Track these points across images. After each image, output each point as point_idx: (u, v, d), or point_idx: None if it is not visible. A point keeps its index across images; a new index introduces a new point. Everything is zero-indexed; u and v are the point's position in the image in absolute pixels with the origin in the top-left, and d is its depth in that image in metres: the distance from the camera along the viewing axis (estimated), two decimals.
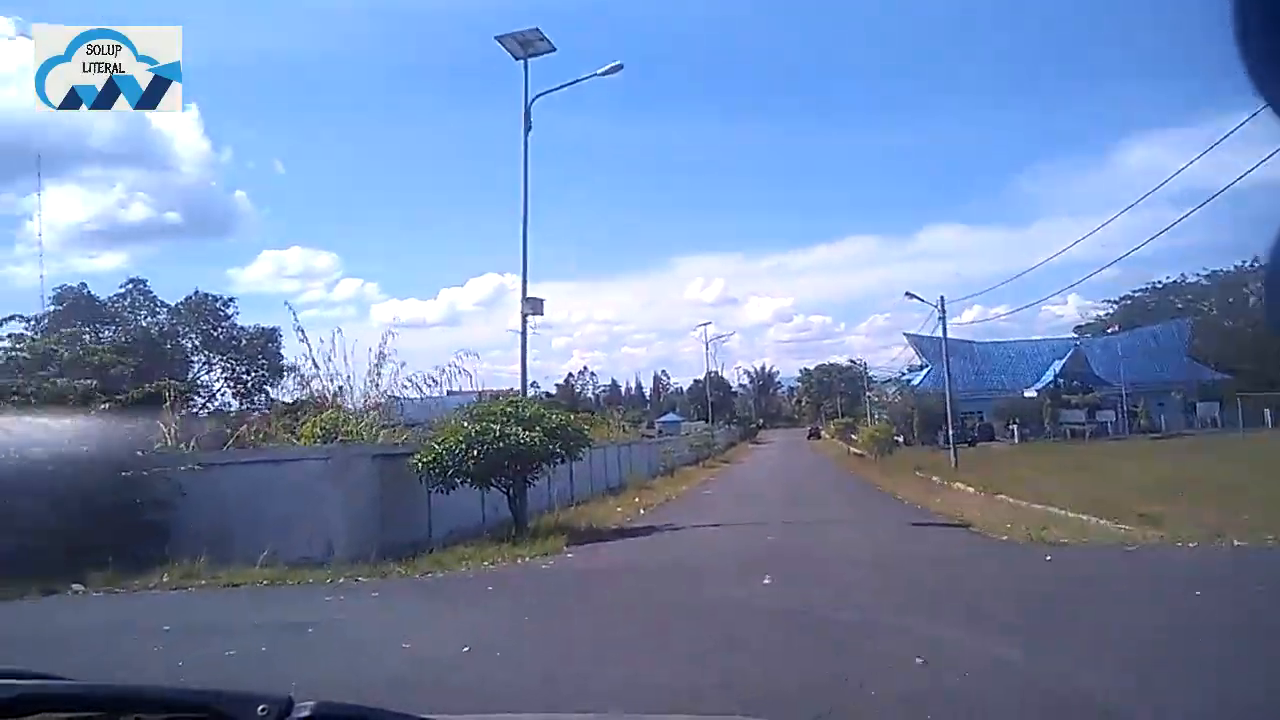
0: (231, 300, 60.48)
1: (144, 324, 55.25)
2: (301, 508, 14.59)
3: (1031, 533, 14.45)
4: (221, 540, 13.96)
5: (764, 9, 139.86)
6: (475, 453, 15.84)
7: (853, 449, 60.39)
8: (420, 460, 15.86)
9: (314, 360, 19.79)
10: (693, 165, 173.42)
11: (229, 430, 20.48)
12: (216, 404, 52.03)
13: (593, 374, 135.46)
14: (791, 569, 11.40)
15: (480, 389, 29.49)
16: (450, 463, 15.74)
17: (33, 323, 37.17)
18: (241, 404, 53.02)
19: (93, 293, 55.17)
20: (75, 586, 12.65)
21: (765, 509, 22.28)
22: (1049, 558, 11.54)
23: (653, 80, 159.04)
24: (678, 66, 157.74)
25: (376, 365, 20.03)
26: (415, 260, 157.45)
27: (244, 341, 59.03)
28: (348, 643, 7.95)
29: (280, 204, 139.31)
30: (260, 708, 1.48)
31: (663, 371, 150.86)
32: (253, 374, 58.82)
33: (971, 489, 25.70)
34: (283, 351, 54.24)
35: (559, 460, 17.71)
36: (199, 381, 55.65)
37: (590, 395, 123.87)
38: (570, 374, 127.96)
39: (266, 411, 25.68)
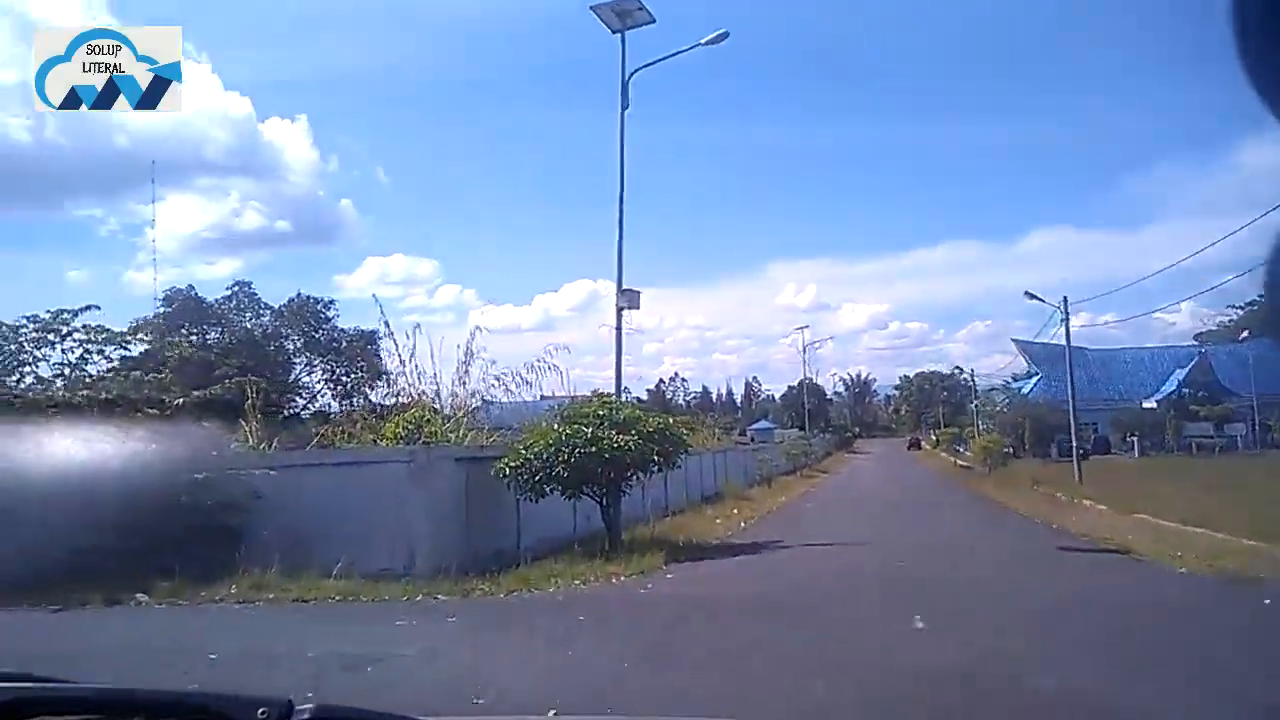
0: (332, 303, 60.92)
1: (248, 326, 55.96)
2: (382, 514, 13.33)
3: (1207, 563, 12.13)
4: (297, 547, 12.79)
5: (861, 2, 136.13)
6: (565, 457, 14.34)
7: (959, 461, 57.10)
8: (506, 465, 14.44)
9: (399, 356, 18.66)
10: (785, 168, 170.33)
11: (314, 431, 19.56)
12: (317, 405, 52.17)
13: (683, 380, 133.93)
14: (940, 605, 9.43)
15: (572, 393, 28.08)
16: (539, 468, 14.29)
17: (139, 322, 37.51)
18: (341, 406, 53.17)
19: (200, 295, 56.15)
20: (139, 596, 11.62)
21: (880, 526, 20.18)
22: (1268, 601, 9.30)
23: (743, 79, 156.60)
24: (768, 64, 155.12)
25: (464, 363, 18.77)
26: (511, 267, 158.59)
27: (344, 344, 59.29)
28: (409, 690, 6.42)
29: (383, 212, 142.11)
30: (260, 710, 1.46)
31: (754, 378, 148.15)
32: (351, 376, 59.04)
33: (1103, 506, 23.04)
34: (381, 354, 54.21)
35: (656, 468, 16.07)
36: (300, 383, 56.10)
37: (681, 401, 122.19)
38: (661, 380, 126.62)
39: (355, 411, 24.78)
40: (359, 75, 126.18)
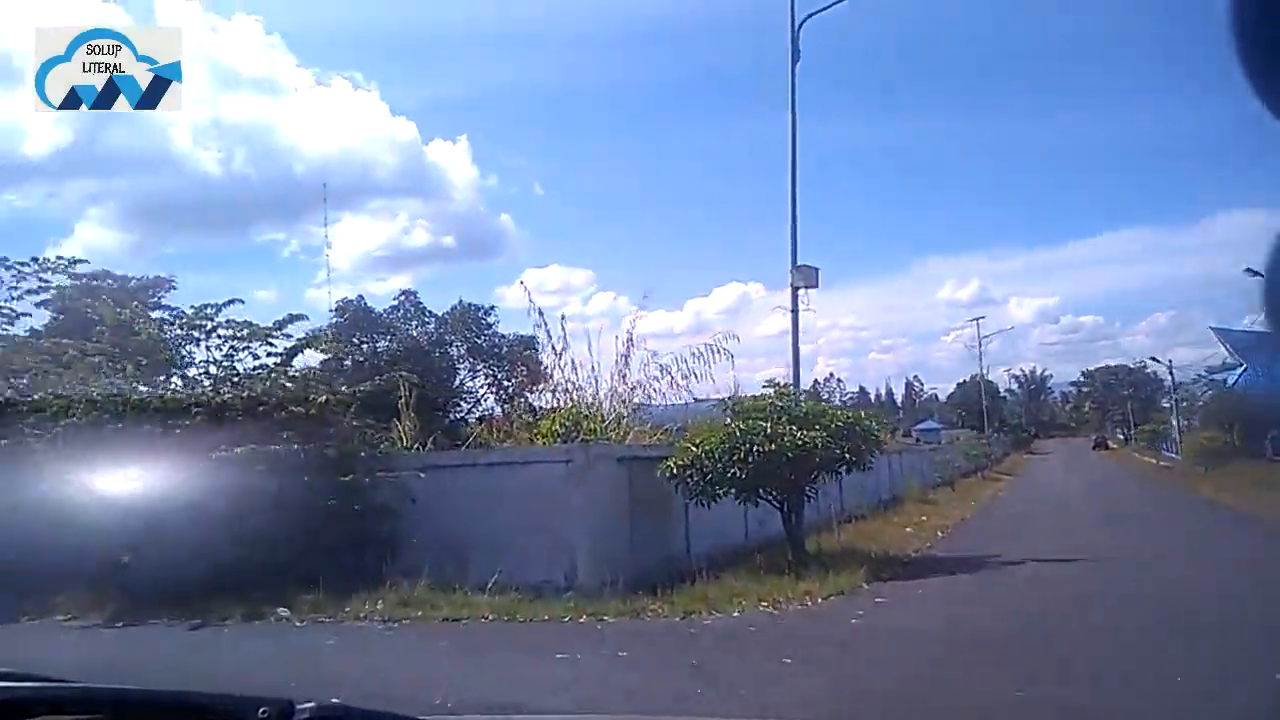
0: (492, 309, 61.27)
1: (414, 334, 56.95)
2: (540, 519, 11.72)
3: None
4: (448, 556, 11.39)
5: None
6: (741, 456, 12.31)
7: (1160, 461, 51.16)
8: (674, 464, 12.54)
9: (553, 347, 17.14)
10: (934, 162, 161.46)
11: (470, 431, 18.38)
12: (480, 410, 52.33)
13: (839, 381, 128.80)
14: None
15: (735, 391, 25.89)
16: (710, 468, 12.32)
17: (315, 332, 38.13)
18: (503, 409, 53.12)
19: (369, 305, 57.61)
20: (280, 612, 10.45)
21: (1107, 536, 17.04)
22: None
23: (890, 74, 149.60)
24: (914, 56, 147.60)
25: (623, 356, 17.04)
26: (662, 272, 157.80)
27: (504, 349, 59.56)
28: None
29: (540, 224, 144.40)
30: (261, 710, 1.46)
31: (915, 377, 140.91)
32: (512, 380, 59.18)
33: None
34: (541, 359, 53.81)
35: (845, 469, 13.78)
36: (464, 388, 56.60)
37: (838, 402, 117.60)
38: (816, 381, 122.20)
39: (513, 412, 23.58)
40: (514, 92, 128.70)
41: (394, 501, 12.32)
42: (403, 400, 15.80)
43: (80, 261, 18.93)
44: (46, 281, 18.07)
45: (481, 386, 59.06)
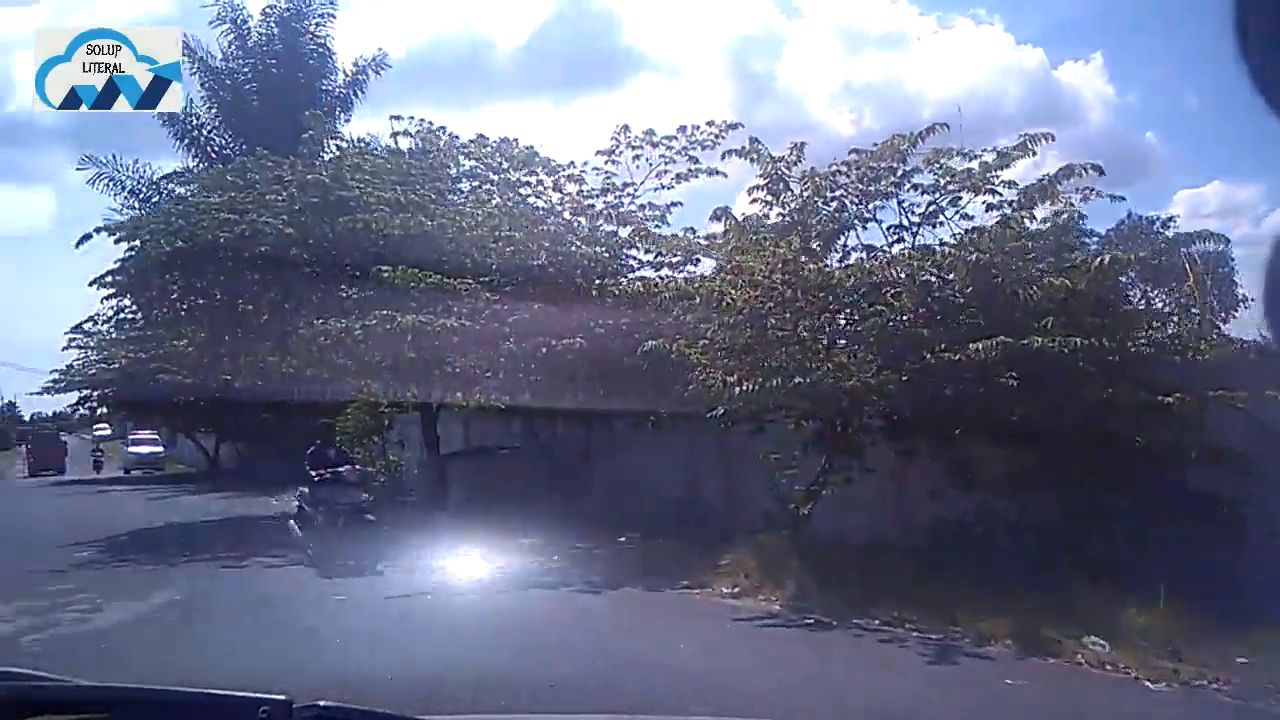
0: (1171, 220, 50.00)
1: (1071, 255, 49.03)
2: None
3: None
4: None
5: None
6: None
7: None
8: None
9: None
10: None
11: None
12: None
13: None
14: None
15: None
16: None
17: None
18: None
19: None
20: (1091, 643, 6.54)
21: None
22: None
23: None
24: None
25: None
26: None
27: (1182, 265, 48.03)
28: None
29: (1194, 139, 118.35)
30: (261, 709, 1.46)
31: None
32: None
33: None
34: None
35: None
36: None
37: None
38: None
39: None
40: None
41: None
42: None
43: None
44: None
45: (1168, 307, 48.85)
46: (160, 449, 37.09)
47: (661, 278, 12.18)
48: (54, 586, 9.35)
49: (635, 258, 13.48)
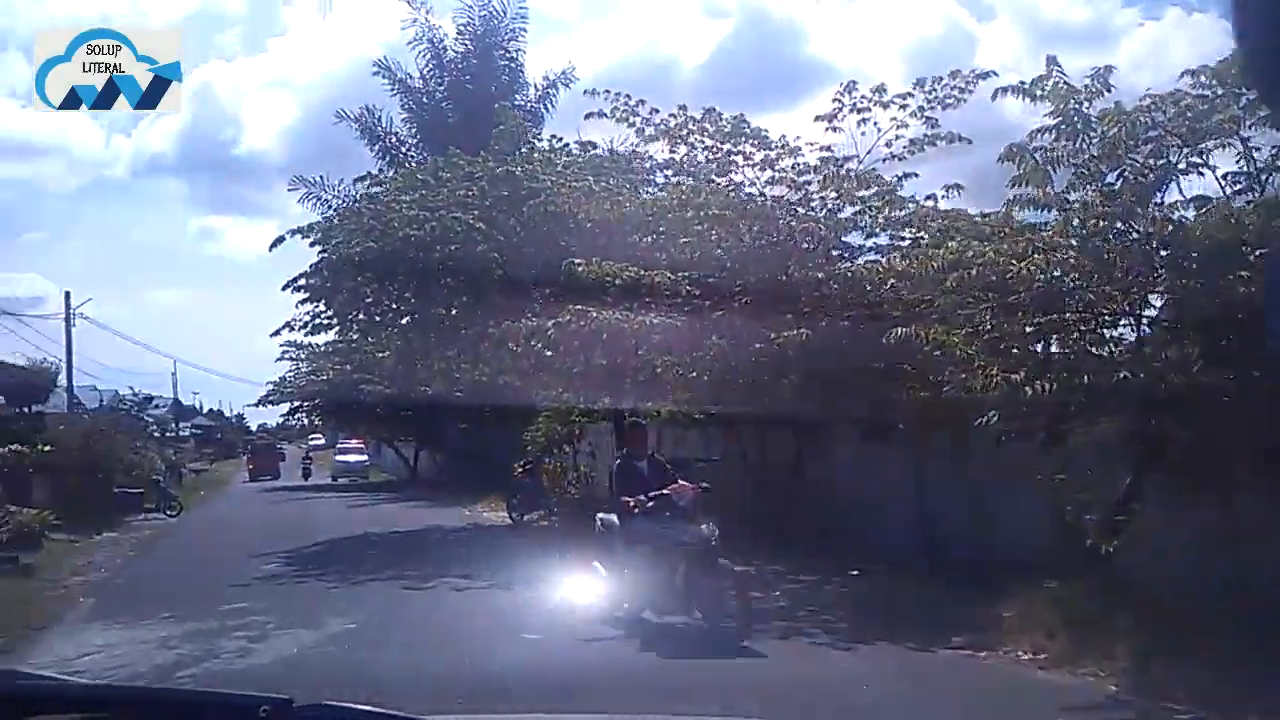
0: None
1: None
2: None
3: None
4: None
5: None
6: None
7: None
8: None
9: None
10: None
11: None
12: None
13: None
14: None
15: None
16: None
17: None
18: None
19: None
20: None
21: None
22: None
23: None
24: None
25: None
26: None
27: None
28: None
29: None
30: (261, 709, 1.41)
31: None
32: None
33: None
34: None
35: None
36: None
37: None
38: None
39: None
40: None
41: None
42: None
43: None
44: None
45: None
46: (365, 458, 38.30)
47: (902, 256, 10.11)
48: (230, 605, 8.49)
49: (861, 238, 11.47)
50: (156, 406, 42.21)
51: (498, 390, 16.72)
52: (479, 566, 10.42)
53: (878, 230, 11.43)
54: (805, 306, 11.00)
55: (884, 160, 11.15)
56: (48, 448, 19.11)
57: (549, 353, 13.82)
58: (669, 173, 13.21)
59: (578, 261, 11.31)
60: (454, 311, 14.16)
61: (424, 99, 27.55)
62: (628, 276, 11.26)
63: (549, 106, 27.29)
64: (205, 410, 70.88)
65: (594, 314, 10.87)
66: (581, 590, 7.90)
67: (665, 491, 7.63)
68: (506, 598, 8.96)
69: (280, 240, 14.04)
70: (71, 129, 78.11)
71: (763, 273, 11.03)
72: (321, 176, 24.16)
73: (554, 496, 17.99)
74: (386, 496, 25.51)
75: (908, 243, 10.86)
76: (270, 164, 73.19)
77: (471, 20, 27.32)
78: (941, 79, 10.58)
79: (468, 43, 27.61)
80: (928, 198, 10.72)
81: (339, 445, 41.07)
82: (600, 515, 8.46)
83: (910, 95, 10.74)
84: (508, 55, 27.92)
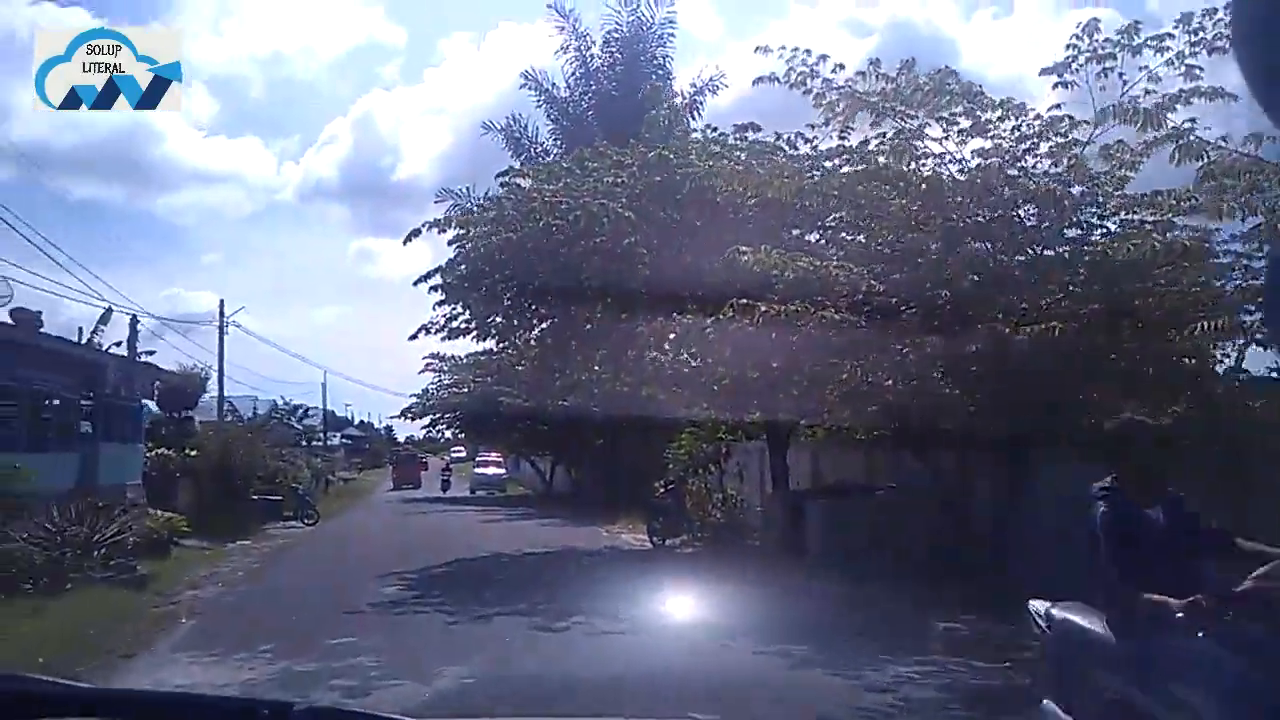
0: None
1: None
2: None
3: None
4: None
5: None
6: None
7: None
8: None
9: None
10: None
11: None
12: None
13: None
14: None
15: None
16: None
17: None
18: None
19: None
20: None
21: None
22: None
23: None
24: None
25: None
26: None
27: None
28: None
29: None
30: (262, 710, 1.42)
31: None
32: None
33: None
34: None
35: None
36: None
37: None
38: None
39: None
40: None
41: None
42: None
43: None
44: None
45: None
46: (503, 471, 37.86)
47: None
48: (337, 639, 7.15)
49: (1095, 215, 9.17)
50: (309, 416, 43.24)
51: (639, 402, 15.29)
52: (622, 603, 8.72)
53: (1111, 211, 9.17)
54: (1022, 302, 8.87)
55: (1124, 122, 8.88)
56: (193, 452, 18.95)
57: (695, 362, 12.24)
58: (843, 159, 11.31)
59: (744, 249, 9.56)
60: (598, 313, 12.68)
61: (569, 108, 26.76)
62: (799, 267, 9.43)
63: (696, 114, 25.92)
64: (356, 422, 73.19)
65: (762, 308, 9.08)
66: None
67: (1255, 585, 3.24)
68: (654, 647, 7.16)
69: (416, 233, 12.95)
70: (247, 156, 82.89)
71: (971, 260, 8.95)
72: (468, 188, 23.54)
73: (697, 520, 16.23)
74: (522, 512, 24.42)
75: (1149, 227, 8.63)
76: (424, 188, 75.51)
77: (619, 27, 26.39)
78: (1215, 10, 8.20)
79: (615, 51, 26.68)
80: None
81: (478, 458, 40.97)
82: (1046, 607, 4.15)
83: (1170, 35, 8.42)
84: (655, 61, 26.80)
